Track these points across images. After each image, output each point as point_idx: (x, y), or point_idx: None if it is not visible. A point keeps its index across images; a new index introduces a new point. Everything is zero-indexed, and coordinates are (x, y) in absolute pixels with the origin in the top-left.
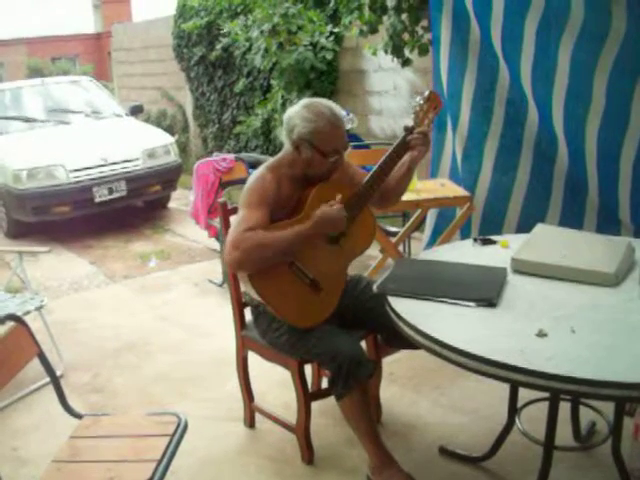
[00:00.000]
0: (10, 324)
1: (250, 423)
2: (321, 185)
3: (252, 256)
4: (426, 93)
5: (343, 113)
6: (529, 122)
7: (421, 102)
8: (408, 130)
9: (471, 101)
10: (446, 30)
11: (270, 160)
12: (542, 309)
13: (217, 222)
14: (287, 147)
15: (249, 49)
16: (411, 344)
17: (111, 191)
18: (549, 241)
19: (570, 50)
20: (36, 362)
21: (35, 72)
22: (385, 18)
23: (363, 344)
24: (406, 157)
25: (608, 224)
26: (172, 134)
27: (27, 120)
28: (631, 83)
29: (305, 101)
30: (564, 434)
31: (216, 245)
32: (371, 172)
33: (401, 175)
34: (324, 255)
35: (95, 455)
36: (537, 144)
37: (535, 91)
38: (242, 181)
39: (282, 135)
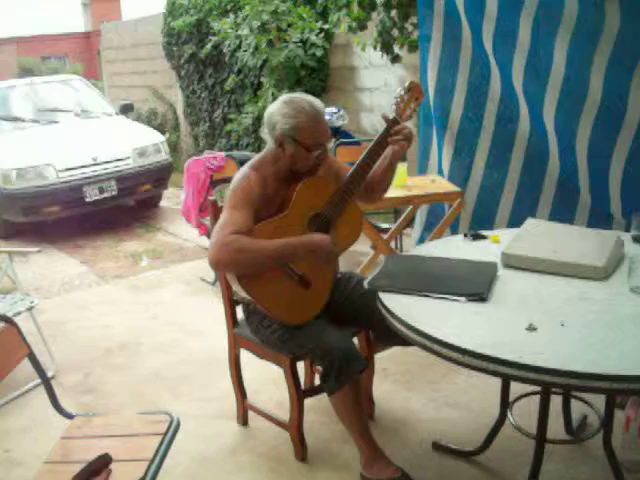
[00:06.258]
0: (0, 325)
1: (243, 421)
2: (306, 182)
3: (233, 259)
4: (406, 84)
5: (331, 109)
6: (521, 118)
7: (402, 93)
8: (389, 122)
9: (463, 98)
10: (437, 27)
11: (253, 159)
12: (532, 303)
13: (208, 220)
14: (270, 144)
15: (239, 47)
16: (403, 341)
17: (102, 190)
18: (539, 235)
19: (565, 47)
20: (28, 363)
21: (25, 71)
22: (374, 14)
23: (355, 340)
24: (388, 150)
25: (599, 219)
26: (163, 133)
27: (16, 120)
28: (627, 78)
29: (284, 97)
30: (556, 427)
31: (207, 243)
32: (354, 166)
33: (384, 169)
34: None
35: (87, 455)
36: (529, 140)
37: (526, 88)
38: None
39: (264, 133)
